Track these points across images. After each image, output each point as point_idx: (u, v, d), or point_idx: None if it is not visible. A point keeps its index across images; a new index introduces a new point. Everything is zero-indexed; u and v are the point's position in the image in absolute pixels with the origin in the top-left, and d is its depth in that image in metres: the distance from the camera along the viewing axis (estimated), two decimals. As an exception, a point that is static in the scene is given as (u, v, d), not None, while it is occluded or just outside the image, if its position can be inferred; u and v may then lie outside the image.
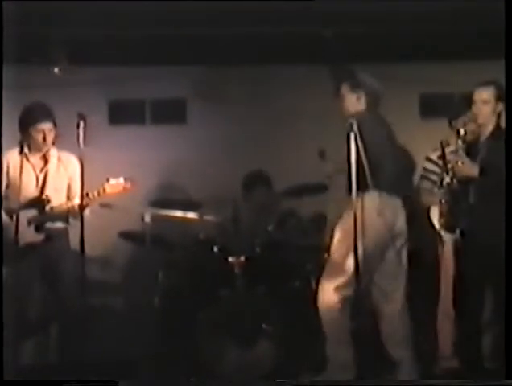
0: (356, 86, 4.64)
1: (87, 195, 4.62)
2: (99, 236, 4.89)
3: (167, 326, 4.99)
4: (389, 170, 4.50)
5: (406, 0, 4.99)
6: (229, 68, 5.94)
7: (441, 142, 4.54)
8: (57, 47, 5.42)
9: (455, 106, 4.87)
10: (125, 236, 5.48)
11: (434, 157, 4.86)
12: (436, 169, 4.82)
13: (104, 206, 4.87)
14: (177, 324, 4.98)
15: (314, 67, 5.73)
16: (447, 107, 5.12)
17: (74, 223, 4.76)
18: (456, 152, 4.41)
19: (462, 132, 4.39)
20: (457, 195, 4.38)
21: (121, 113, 6.15)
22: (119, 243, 5.57)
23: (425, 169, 4.97)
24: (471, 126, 4.49)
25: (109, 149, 5.75)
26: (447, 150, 4.48)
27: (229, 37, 5.50)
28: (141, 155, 5.91)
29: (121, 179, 4.71)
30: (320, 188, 5.30)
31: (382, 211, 4.40)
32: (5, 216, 4.76)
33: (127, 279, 5.89)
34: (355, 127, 4.36)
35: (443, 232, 4.67)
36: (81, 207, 4.39)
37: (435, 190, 4.74)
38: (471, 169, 4.35)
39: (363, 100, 4.64)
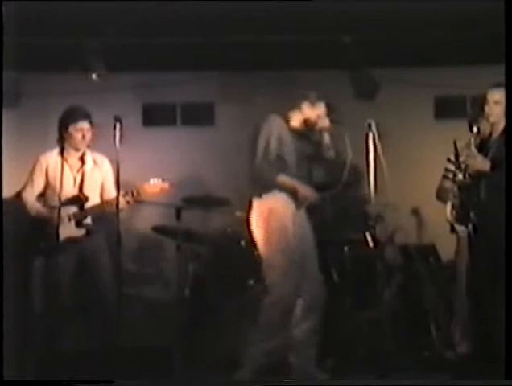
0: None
1: (126, 193, 4.79)
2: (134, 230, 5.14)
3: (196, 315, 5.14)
4: None
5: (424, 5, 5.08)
6: (253, 73, 6.09)
7: (454, 141, 4.71)
8: (95, 56, 5.64)
9: (471, 107, 4.96)
10: (158, 230, 5.59)
11: (452, 157, 4.91)
12: (454, 169, 4.88)
13: (138, 202, 5.00)
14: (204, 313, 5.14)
15: (335, 71, 5.98)
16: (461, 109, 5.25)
17: (111, 219, 4.80)
18: (468, 148, 4.56)
19: (475, 130, 4.55)
20: (470, 190, 4.53)
21: (154, 116, 6.36)
22: (152, 236, 5.72)
23: (446, 169, 5.04)
24: (484, 125, 4.62)
25: (142, 149, 5.96)
26: (459, 147, 4.66)
27: (253, 44, 5.66)
28: (172, 154, 6.13)
29: (159, 180, 4.84)
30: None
31: None
32: (45, 212, 4.91)
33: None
34: (373, 127, 4.62)
35: (457, 227, 4.81)
36: (118, 203, 4.54)
37: (454, 188, 4.88)
38: (482, 164, 4.49)
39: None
